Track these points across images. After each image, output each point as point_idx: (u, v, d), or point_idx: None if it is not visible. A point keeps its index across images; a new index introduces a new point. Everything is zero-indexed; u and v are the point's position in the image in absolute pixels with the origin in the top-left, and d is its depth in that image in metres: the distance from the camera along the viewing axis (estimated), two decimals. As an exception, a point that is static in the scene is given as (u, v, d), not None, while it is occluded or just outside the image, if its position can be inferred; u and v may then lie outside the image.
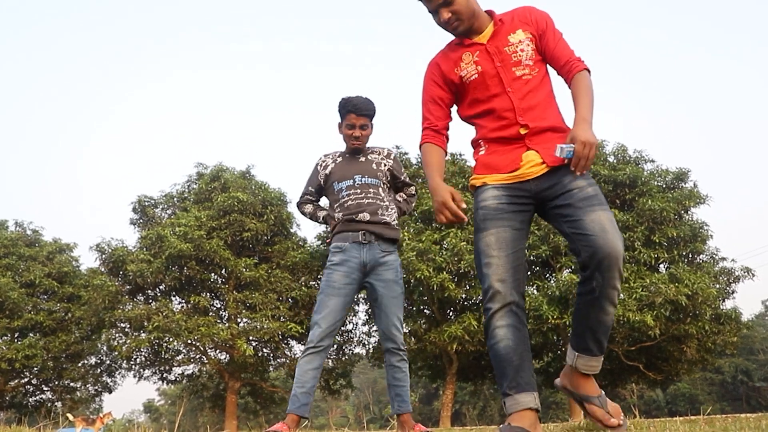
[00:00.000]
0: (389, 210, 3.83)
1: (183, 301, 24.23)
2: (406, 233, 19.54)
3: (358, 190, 3.76)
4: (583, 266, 2.21)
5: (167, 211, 25.78)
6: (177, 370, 26.04)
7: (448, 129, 2.58)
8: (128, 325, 22.74)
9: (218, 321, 23.55)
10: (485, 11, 2.49)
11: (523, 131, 2.36)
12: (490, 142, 2.45)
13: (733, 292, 20.92)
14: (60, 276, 26.45)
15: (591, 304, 2.22)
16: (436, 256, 18.70)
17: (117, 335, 23.52)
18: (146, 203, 25.32)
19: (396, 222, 3.84)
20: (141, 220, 25.30)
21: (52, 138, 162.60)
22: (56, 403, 28.55)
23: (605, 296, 2.19)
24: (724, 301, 20.50)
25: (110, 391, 28.63)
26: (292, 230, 25.70)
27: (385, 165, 3.92)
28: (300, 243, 25.39)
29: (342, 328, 25.26)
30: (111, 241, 23.21)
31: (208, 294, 24.50)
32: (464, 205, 2.29)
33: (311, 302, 23.73)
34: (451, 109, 2.56)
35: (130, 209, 25.29)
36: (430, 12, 2.39)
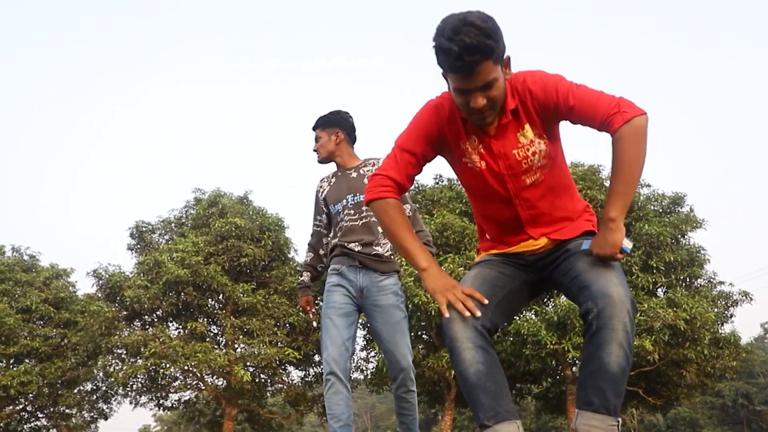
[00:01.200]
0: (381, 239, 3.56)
1: (180, 326, 24.12)
2: (403, 259, 19.52)
3: (352, 212, 3.56)
4: (584, 314, 1.89)
5: (165, 237, 25.78)
6: (174, 397, 25.87)
7: (412, 175, 2.14)
8: (125, 351, 22.63)
9: (215, 347, 23.43)
10: None
11: (531, 240, 2.13)
12: (493, 238, 2.22)
13: (731, 316, 20.93)
14: (56, 302, 26.34)
15: (590, 342, 1.85)
16: (434, 281, 18.66)
17: (113, 361, 23.38)
18: (144, 229, 25.33)
19: (393, 252, 3.59)
20: (138, 246, 25.29)
21: (50, 162, 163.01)
22: (51, 430, 28.25)
23: (607, 328, 1.81)
24: (722, 325, 20.50)
25: (106, 418, 28.39)
26: (289, 255, 25.69)
27: None
28: (297, 268, 25.35)
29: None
30: (108, 266, 23.21)
31: (205, 320, 24.41)
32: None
33: (309, 328, 23.66)
34: (426, 161, 2.13)
35: (128, 235, 25.31)
36: (456, 90, 1.88)
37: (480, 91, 1.83)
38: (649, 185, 22.06)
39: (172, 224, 25.81)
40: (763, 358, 46.27)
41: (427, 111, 2.05)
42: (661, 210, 21.21)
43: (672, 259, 19.33)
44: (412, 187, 22.97)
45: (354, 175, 3.64)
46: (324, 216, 3.77)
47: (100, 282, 22.86)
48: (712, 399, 42.07)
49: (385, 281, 3.52)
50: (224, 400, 24.35)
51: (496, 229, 2.18)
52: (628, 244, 1.92)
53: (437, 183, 23.29)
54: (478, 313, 1.91)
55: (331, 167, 3.84)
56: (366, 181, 3.50)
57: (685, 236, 20.61)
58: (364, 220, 3.53)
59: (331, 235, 3.76)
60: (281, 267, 24.72)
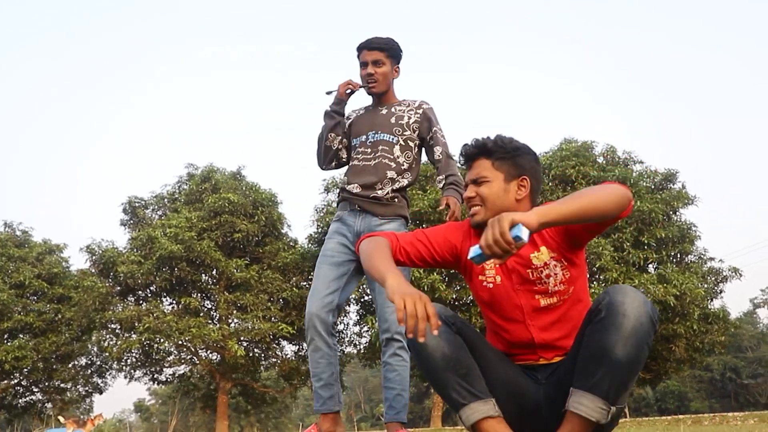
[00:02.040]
0: (397, 177, 3.17)
1: (174, 302, 24.22)
2: (396, 234, 19.59)
3: (368, 149, 3.19)
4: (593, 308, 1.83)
5: (158, 212, 25.74)
6: (168, 371, 26.06)
7: (403, 256, 2.08)
8: (119, 326, 22.71)
9: (209, 322, 23.55)
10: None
11: (543, 361, 2.02)
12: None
13: (721, 292, 21.17)
14: (50, 277, 26.35)
15: (595, 327, 1.77)
16: (427, 257, 18.77)
17: (107, 336, 23.49)
18: (136, 204, 25.27)
19: (396, 196, 3.17)
20: (131, 221, 25.25)
21: (41, 137, 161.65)
22: (47, 404, 28.49)
23: (618, 314, 1.72)
24: (712, 300, 20.72)
25: (101, 392, 28.59)
26: (283, 231, 25.72)
27: (410, 118, 3.23)
28: (291, 244, 25.41)
29: (333, 328, 25.30)
30: (101, 242, 23.22)
31: (198, 295, 24.50)
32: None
33: (302, 303, 23.76)
34: (430, 262, 2.11)
35: (120, 210, 25.26)
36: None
37: (473, 184, 2.07)
38: (641, 162, 22.13)
39: (165, 200, 25.76)
40: (751, 332, 46.88)
41: (450, 225, 2.17)
42: (653, 186, 21.29)
43: (663, 235, 19.47)
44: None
45: (384, 111, 3.27)
46: (343, 137, 3.35)
47: (94, 257, 22.88)
48: (700, 372, 42.64)
49: (386, 225, 3.10)
50: (218, 374, 24.54)
51: (505, 343, 2.07)
52: (524, 232, 1.61)
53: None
54: (422, 339, 1.63)
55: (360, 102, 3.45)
56: (394, 120, 3.21)
57: (677, 213, 20.74)
58: (375, 161, 3.16)
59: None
60: (274, 242, 24.76)
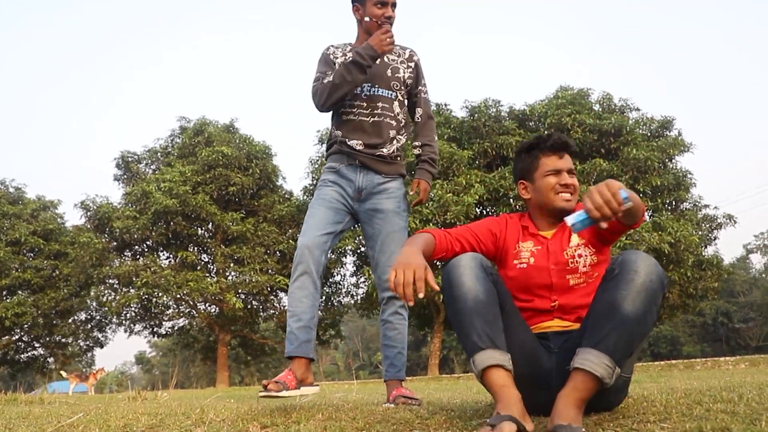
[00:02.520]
0: (397, 136, 3.06)
1: (171, 256, 24.28)
2: (392, 185, 19.53)
3: (364, 104, 2.97)
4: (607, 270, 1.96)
5: (151, 167, 25.57)
6: (167, 324, 26.32)
7: (456, 249, 2.26)
8: (117, 282, 22.82)
9: (207, 275, 23.67)
10: None
11: (557, 321, 2.17)
12: None
13: (715, 239, 21.30)
14: (45, 233, 26.32)
15: (606, 285, 1.86)
16: (423, 208, 18.75)
17: (106, 291, 23.60)
18: (129, 159, 25.08)
19: (399, 154, 3.06)
20: (125, 176, 25.10)
21: (29, 92, 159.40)
22: (49, 359, 28.83)
23: (630, 270, 1.80)
24: (705, 247, 20.86)
25: (101, 346, 28.91)
26: (278, 183, 25.63)
27: (405, 72, 3.07)
28: (286, 196, 25.35)
29: (330, 280, 25.53)
30: (96, 198, 23.12)
31: (195, 249, 24.55)
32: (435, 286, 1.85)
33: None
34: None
35: (114, 165, 25.07)
36: (545, 172, 2.27)
37: (571, 174, 2.29)
38: (638, 109, 21.96)
39: (158, 154, 25.56)
40: (744, 278, 47.35)
41: (490, 218, 2.38)
42: (649, 134, 21.18)
43: (659, 183, 19.46)
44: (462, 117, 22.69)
45: (377, 60, 2.94)
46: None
47: (89, 213, 22.82)
48: (692, 317, 43.20)
49: (389, 184, 2.99)
50: (217, 326, 24.80)
51: (526, 312, 2.20)
52: (625, 193, 1.80)
53: (425, 109, 22.98)
54: (411, 303, 1.88)
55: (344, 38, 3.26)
56: (390, 72, 3.02)
57: (673, 160, 20.68)
58: (375, 118, 2.97)
59: (332, 122, 3.14)
60: (270, 195, 24.70)
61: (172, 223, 22.45)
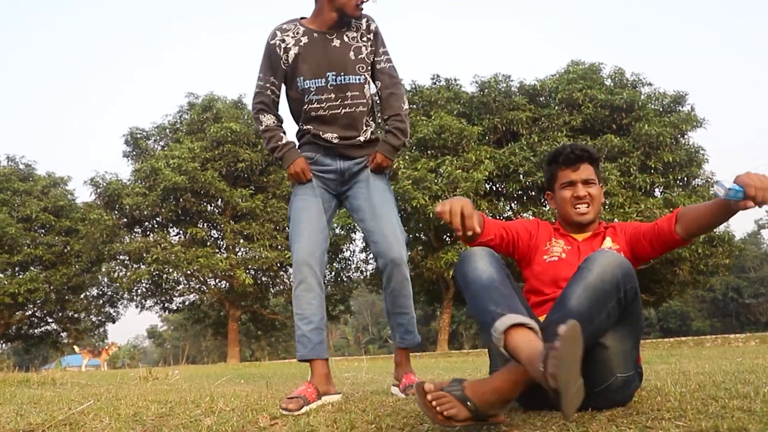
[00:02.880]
0: (371, 118, 2.84)
1: (180, 232, 24.38)
2: (401, 161, 19.45)
3: (332, 95, 2.72)
4: None
5: (160, 143, 25.58)
6: (178, 300, 26.50)
7: (495, 235, 2.29)
8: (127, 258, 22.97)
9: (216, 251, 23.76)
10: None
11: None
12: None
13: (727, 215, 21.10)
14: (56, 210, 26.47)
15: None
16: (432, 184, 18.68)
17: (117, 268, 23.78)
18: (138, 135, 25.08)
19: (375, 133, 2.85)
20: (134, 153, 25.13)
21: (38, 69, 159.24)
22: (62, 334, 29.17)
23: (581, 267, 1.86)
24: (717, 223, 20.69)
25: (113, 321, 29.24)
26: (287, 159, 25.53)
27: (366, 48, 2.76)
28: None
29: (339, 255, 25.59)
30: (105, 174, 23.17)
31: (205, 225, 24.63)
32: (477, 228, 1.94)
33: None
34: (511, 246, 2.32)
35: (122, 142, 25.09)
36: (560, 184, 2.32)
37: (585, 184, 2.29)
38: (650, 84, 21.68)
39: (167, 130, 25.54)
40: (755, 253, 47.12)
41: (526, 219, 2.44)
42: (661, 109, 20.93)
43: (670, 159, 19.27)
44: (408, 88, 22.57)
45: (336, 43, 2.70)
46: (280, 79, 2.79)
47: (98, 190, 22.90)
48: (702, 293, 43.10)
49: (363, 160, 2.82)
50: (227, 302, 24.96)
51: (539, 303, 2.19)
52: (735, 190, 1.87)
53: (435, 83, 22.82)
54: (476, 230, 1.93)
55: (290, 15, 2.85)
56: (353, 55, 2.72)
57: (685, 136, 20.45)
58: (347, 109, 2.74)
59: (298, 116, 2.88)
60: (279, 171, 24.66)
61: (181, 200, 22.50)
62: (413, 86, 22.64)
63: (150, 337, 70.09)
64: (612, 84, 21.42)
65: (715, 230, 20.29)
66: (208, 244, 23.93)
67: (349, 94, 2.72)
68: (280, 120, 2.88)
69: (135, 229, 23.95)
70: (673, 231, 2.12)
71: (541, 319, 2.07)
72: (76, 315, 27.98)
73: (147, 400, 2.85)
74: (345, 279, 25.87)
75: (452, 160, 19.25)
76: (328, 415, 2.20)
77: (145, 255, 21.71)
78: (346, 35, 2.71)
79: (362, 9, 2.67)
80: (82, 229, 24.30)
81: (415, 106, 22.14)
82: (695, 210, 2.10)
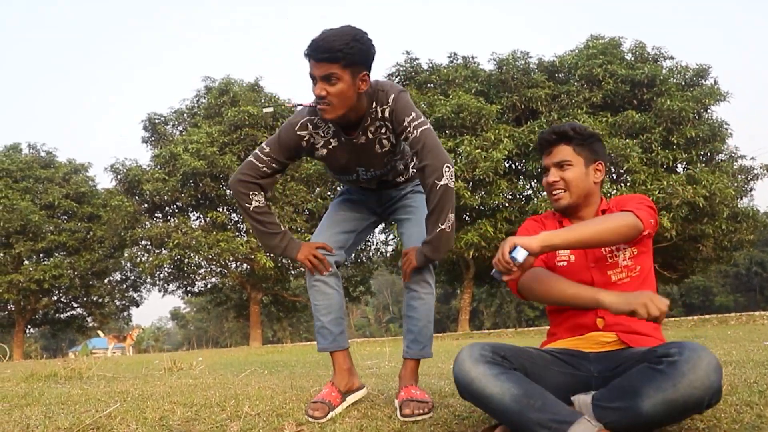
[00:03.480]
0: (408, 166, 2.66)
1: (201, 217, 24.53)
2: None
3: (364, 184, 2.63)
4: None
5: (178, 128, 25.66)
6: (200, 284, 26.76)
7: None
8: (149, 243, 23.18)
9: (237, 235, 23.89)
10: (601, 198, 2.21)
11: (600, 323, 2.02)
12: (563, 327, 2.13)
13: (751, 190, 20.81)
14: (78, 196, 26.75)
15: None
16: (451, 164, 18.56)
17: (139, 253, 24.02)
18: (156, 120, 25.16)
19: (410, 170, 2.66)
20: (153, 138, 25.24)
21: (57, 56, 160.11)
22: (87, 318, 29.64)
23: (668, 375, 1.67)
24: (741, 198, 20.41)
25: (137, 305, 29.62)
26: (304, 142, 25.53)
27: (388, 138, 2.43)
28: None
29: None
30: (125, 161, 23.30)
31: (225, 209, 24.74)
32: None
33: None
34: None
35: (141, 127, 25.19)
36: (545, 167, 2.19)
37: (556, 167, 2.16)
38: (672, 57, 21.25)
39: (185, 114, 25.59)
40: (779, 226, 46.46)
41: (529, 220, 2.28)
42: (683, 83, 20.52)
43: (693, 134, 18.92)
44: (425, 67, 22.37)
45: (362, 140, 2.42)
46: (285, 160, 2.50)
47: (119, 176, 23.06)
48: (726, 267, 42.72)
49: (407, 188, 2.68)
50: (249, 285, 25.15)
51: (568, 317, 2.08)
52: (521, 253, 1.78)
53: (452, 61, 22.57)
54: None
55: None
56: (378, 149, 2.44)
57: (708, 110, 20.06)
58: (381, 179, 2.60)
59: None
60: (297, 154, 24.63)
61: (201, 184, 22.59)
62: (430, 65, 22.42)
63: (173, 319, 71.08)
64: (633, 58, 21.04)
65: (739, 205, 20.05)
66: (229, 228, 24.06)
67: (381, 179, 2.60)
68: (267, 196, 2.60)
69: (156, 215, 24.13)
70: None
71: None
72: (100, 300, 28.41)
73: (173, 402, 2.86)
74: (365, 260, 25.92)
75: (471, 139, 19.10)
76: (354, 422, 2.19)
77: (166, 240, 21.90)
78: (369, 130, 2.41)
79: (321, 110, 2.26)
80: (104, 215, 24.54)
81: (432, 85, 21.95)
82: None
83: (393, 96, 2.34)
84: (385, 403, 2.47)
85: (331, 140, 2.45)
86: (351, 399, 2.49)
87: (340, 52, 2.14)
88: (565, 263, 2.11)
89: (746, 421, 1.77)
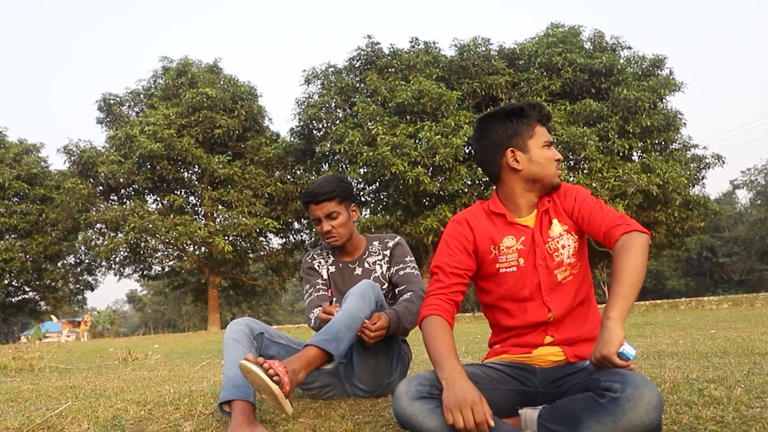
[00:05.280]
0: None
1: (158, 200, 24.14)
2: (380, 127, 19.31)
3: None
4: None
5: (134, 109, 25.10)
6: (157, 267, 26.39)
7: (460, 301, 2.06)
8: (104, 226, 22.73)
9: (195, 218, 23.59)
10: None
11: (549, 339, 1.97)
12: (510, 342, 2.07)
13: (702, 178, 21.36)
14: (29, 178, 26.02)
15: None
16: (411, 150, 18.61)
17: (94, 236, 23.54)
18: (112, 101, 24.57)
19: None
20: (108, 119, 24.65)
21: (6, 32, 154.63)
22: (40, 302, 28.99)
23: (610, 410, 1.64)
24: (693, 186, 20.95)
25: (92, 289, 29.08)
26: (264, 125, 25.30)
27: (381, 267, 2.79)
28: (273, 138, 25.06)
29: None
30: (79, 142, 22.70)
31: (182, 192, 24.40)
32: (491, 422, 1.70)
33: (287, 198, 23.81)
34: (471, 276, 2.07)
35: (96, 108, 24.59)
36: (543, 142, 2.00)
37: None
38: (629, 47, 21.62)
39: (141, 95, 25.04)
40: (729, 213, 47.84)
41: (455, 224, 2.09)
42: (640, 73, 20.91)
43: (649, 123, 19.34)
44: (387, 52, 22.30)
45: (358, 272, 2.80)
46: (324, 284, 2.86)
47: (72, 158, 22.46)
48: (677, 253, 43.97)
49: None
50: (207, 269, 24.90)
51: (515, 333, 2.03)
52: (630, 350, 1.68)
53: (413, 46, 22.55)
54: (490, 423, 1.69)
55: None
56: (372, 278, 2.75)
57: (663, 100, 20.50)
58: None
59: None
60: (256, 137, 24.41)
61: (158, 167, 22.20)
62: (391, 50, 22.36)
63: (130, 302, 69.99)
64: (591, 47, 21.33)
65: (691, 193, 20.60)
66: (187, 211, 23.75)
67: None
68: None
69: (111, 198, 23.65)
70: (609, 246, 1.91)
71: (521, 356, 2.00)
72: (53, 283, 27.77)
73: (126, 399, 2.83)
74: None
75: (431, 125, 19.16)
76: (308, 423, 2.20)
77: (122, 223, 21.50)
78: (367, 261, 2.83)
79: (332, 243, 2.74)
80: (57, 197, 23.95)
81: (393, 70, 21.90)
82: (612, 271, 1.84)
83: (397, 239, 2.83)
84: (338, 403, 2.49)
85: (330, 267, 2.88)
86: None
87: (334, 191, 2.71)
88: (515, 269, 1.99)
89: (684, 422, 1.84)
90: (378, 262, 2.81)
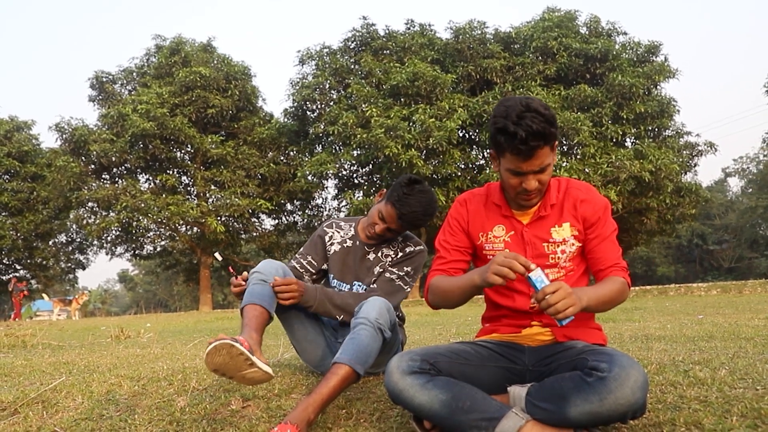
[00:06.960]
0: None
1: (150, 179, 24.04)
2: (374, 109, 19.25)
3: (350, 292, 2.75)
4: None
5: (127, 87, 24.91)
6: (149, 247, 26.34)
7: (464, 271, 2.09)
8: (96, 205, 22.65)
9: (187, 198, 23.53)
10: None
11: (536, 324, 2.03)
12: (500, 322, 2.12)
13: (695, 166, 21.45)
14: (20, 155, 25.85)
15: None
16: (405, 132, 18.58)
17: (86, 215, 23.46)
18: (104, 79, 24.36)
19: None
20: (100, 97, 24.45)
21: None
22: (31, 280, 28.91)
23: (598, 388, 1.68)
24: (685, 174, 21.03)
25: (84, 268, 29.01)
26: (258, 105, 25.18)
27: (392, 257, 2.75)
28: (267, 118, 24.96)
29: (312, 203, 25.63)
30: (71, 120, 22.53)
31: (175, 172, 24.29)
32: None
33: (280, 179, 23.78)
34: (471, 254, 2.13)
35: (88, 86, 24.38)
36: (510, 171, 1.91)
37: (535, 173, 1.90)
38: (625, 33, 21.59)
39: (134, 74, 24.83)
40: (720, 200, 48.00)
41: (457, 203, 2.17)
42: (635, 59, 20.88)
43: (643, 110, 19.35)
44: (382, 33, 22.17)
45: (371, 256, 2.75)
46: (319, 262, 2.81)
47: (64, 136, 22.30)
48: (668, 239, 44.18)
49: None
50: (199, 249, 24.88)
51: (505, 314, 2.09)
52: (541, 277, 1.73)
53: (409, 29, 22.43)
54: (526, 268, 1.72)
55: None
56: (378, 269, 2.70)
57: (658, 87, 20.51)
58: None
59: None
60: (250, 117, 24.30)
61: (150, 146, 22.09)
62: (387, 32, 22.23)
63: (121, 281, 69.86)
64: (587, 32, 21.28)
65: (683, 180, 20.68)
66: (179, 191, 23.67)
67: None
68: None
69: (103, 176, 23.53)
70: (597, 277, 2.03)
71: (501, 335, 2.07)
72: (44, 262, 27.71)
73: (119, 375, 2.86)
74: (317, 226, 25.88)
75: (425, 108, 19.11)
76: (300, 398, 2.24)
77: (114, 202, 21.42)
78: (383, 250, 2.76)
79: (371, 238, 2.69)
80: (49, 175, 23.81)
81: (388, 52, 21.80)
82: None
83: (417, 249, 2.75)
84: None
85: (347, 241, 2.82)
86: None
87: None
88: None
89: (669, 402, 1.88)
90: (389, 255, 2.74)
